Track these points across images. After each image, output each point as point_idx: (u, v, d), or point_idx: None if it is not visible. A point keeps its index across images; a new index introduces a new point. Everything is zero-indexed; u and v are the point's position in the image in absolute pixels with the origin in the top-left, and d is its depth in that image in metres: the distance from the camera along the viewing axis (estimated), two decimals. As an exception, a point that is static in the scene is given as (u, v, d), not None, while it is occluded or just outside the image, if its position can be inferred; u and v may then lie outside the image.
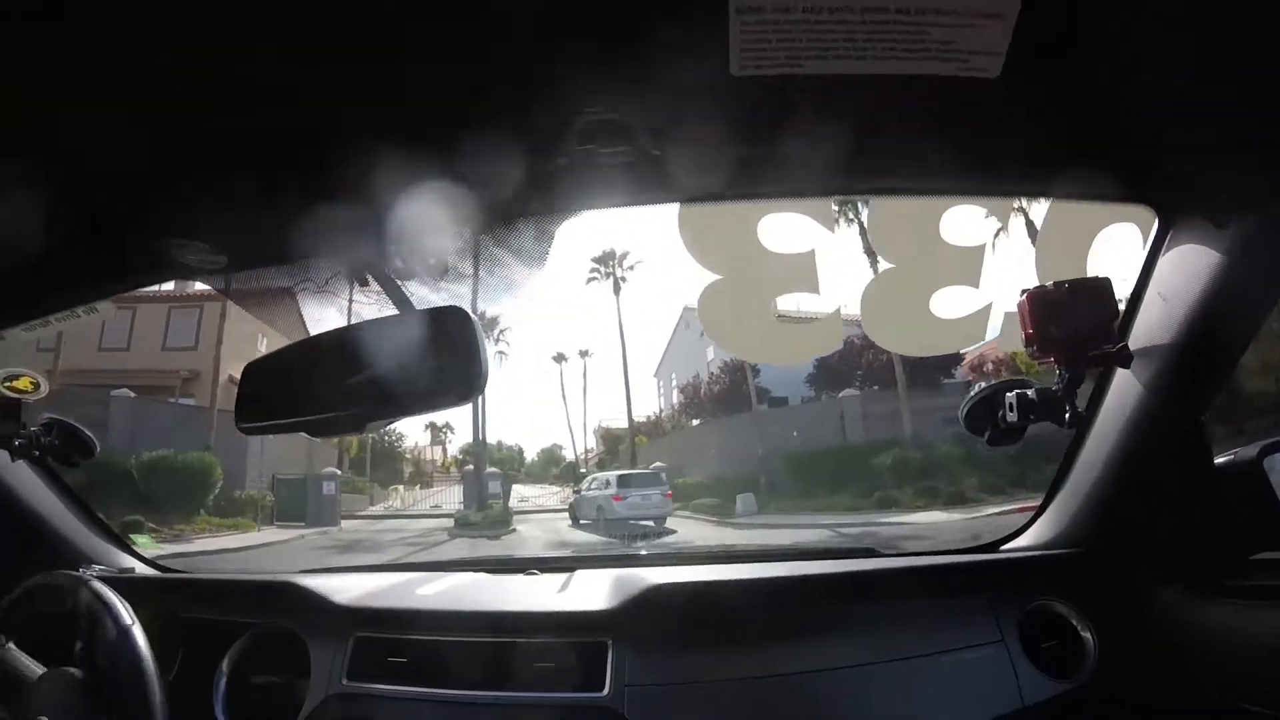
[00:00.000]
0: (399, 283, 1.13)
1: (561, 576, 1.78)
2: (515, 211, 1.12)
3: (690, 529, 16.73)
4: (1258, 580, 1.35)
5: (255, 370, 1.22)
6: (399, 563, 2.38)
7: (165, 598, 1.80)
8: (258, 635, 1.68)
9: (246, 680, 1.66)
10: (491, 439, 37.73)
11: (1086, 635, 1.55)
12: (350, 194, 1.01)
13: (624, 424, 32.70)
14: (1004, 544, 1.82)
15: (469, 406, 27.42)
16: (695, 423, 29.09)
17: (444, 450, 38.60)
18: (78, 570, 1.64)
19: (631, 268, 31.09)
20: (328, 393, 1.13)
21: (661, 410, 34.56)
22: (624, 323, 43.97)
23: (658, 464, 22.41)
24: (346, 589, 1.72)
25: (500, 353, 32.22)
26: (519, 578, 1.88)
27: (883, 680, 1.49)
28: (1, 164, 0.92)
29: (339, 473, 22.22)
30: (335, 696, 1.54)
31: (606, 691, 1.45)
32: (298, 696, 1.57)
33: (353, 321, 1.17)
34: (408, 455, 35.63)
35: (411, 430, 37.52)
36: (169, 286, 21.71)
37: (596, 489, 19.53)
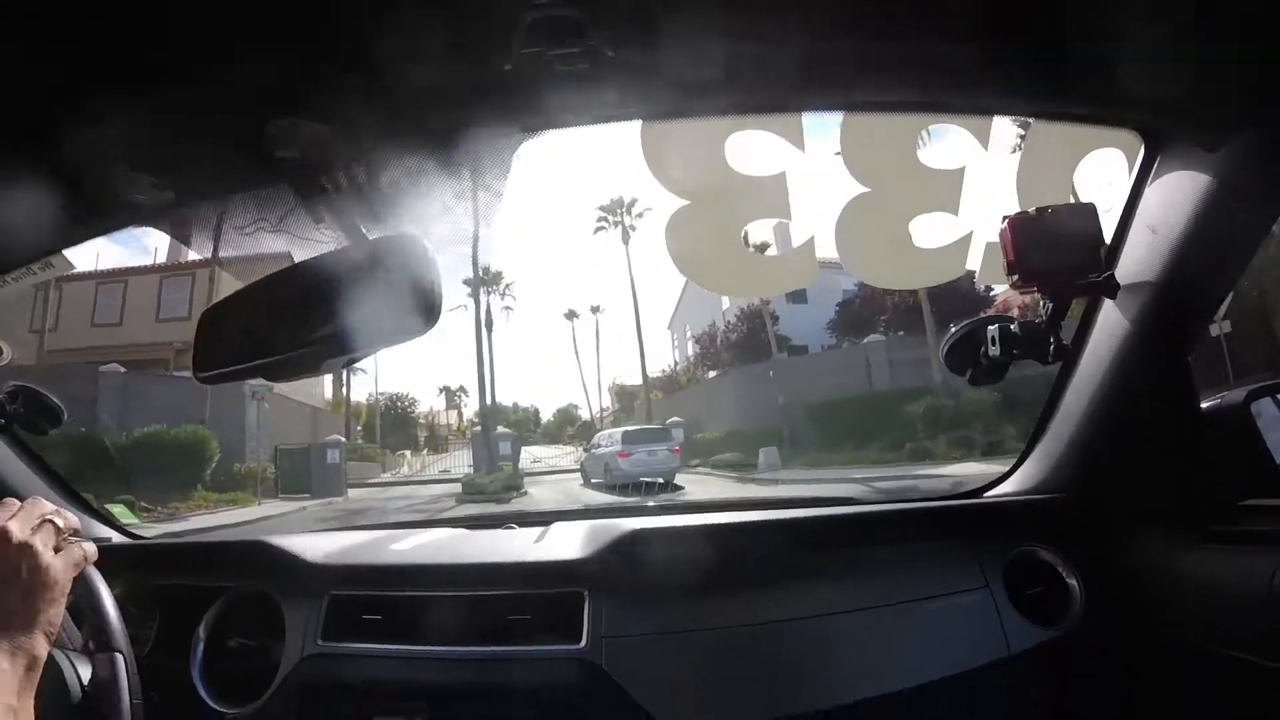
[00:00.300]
0: (350, 214, 1.09)
1: (538, 530, 1.75)
2: (460, 124, 1.06)
3: (708, 486, 16.62)
4: (1245, 526, 1.32)
5: (211, 317, 1.18)
6: (375, 523, 2.34)
7: (140, 566, 1.77)
8: (233, 599, 1.65)
9: (224, 644, 1.63)
10: (506, 401, 38.08)
11: (1072, 582, 1.54)
12: (288, 113, 0.96)
13: (639, 380, 32.54)
14: (988, 490, 1.79)
15: (475, 368, 28.48)
16: (712, 375, 28.45)
17: (459, 414, 38.23)
18: None
19: (640, 215, 30.28)
20: (284, 334, 1.09)
21: (677, 363, 33.93)
22: (635, 274, 43.37)
23: (674, 419, 21.99)
24: (320, 548, 1.69)
25: (507, 308, 32.37)
26: (497, 532, 1.85)
27: (865, 626, 1.47)
28: None
29: (344, 440, 21.73)
30: (311, 657, 1.51)
31: (584, 643, 1.43)
32: (274, 658, 1.54)
33: (305, 258, 1.13)
34: (421, 420, 35.51)
35: (425, 395, 38.52)
36: (161, 257, 21.66)
37: (604, 447, 19.05)
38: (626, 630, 1.45)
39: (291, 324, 1.08)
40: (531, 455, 25.79)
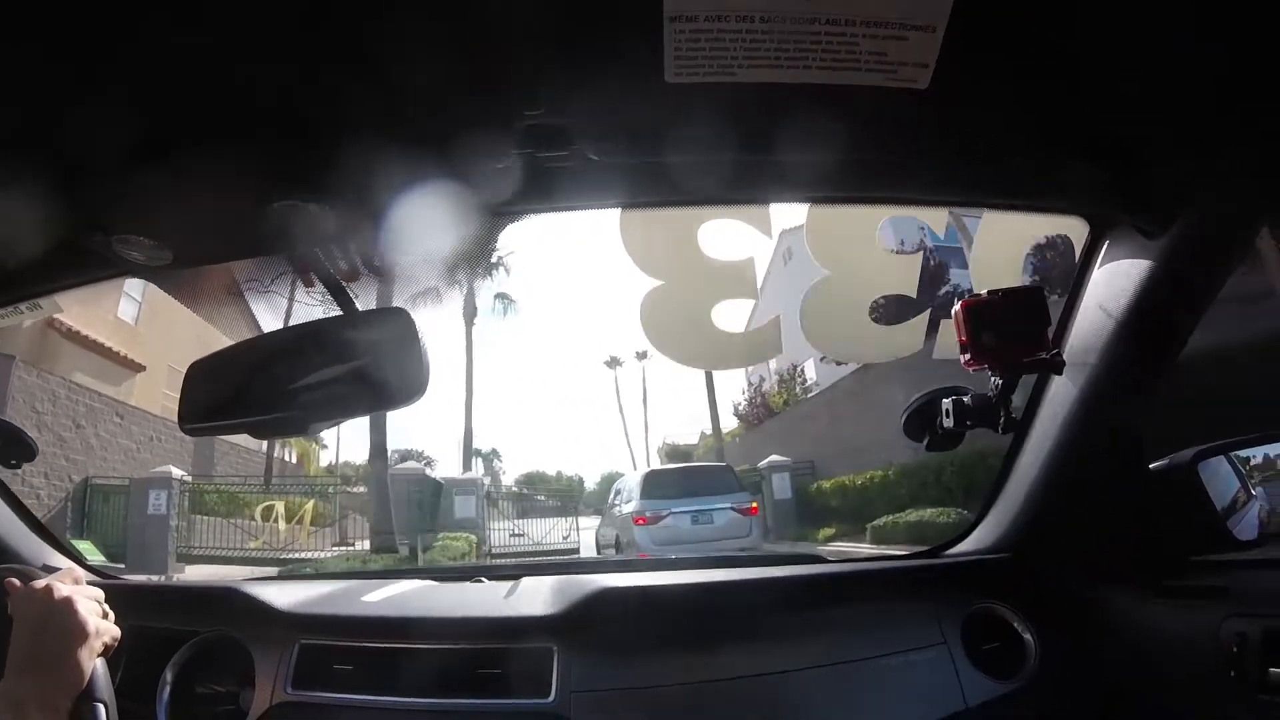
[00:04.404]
0: (343, 284, 1.12)
1: (508, 584, 1.77)
2: (457, 213, 1.12)
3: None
4: (1194, 581, 1.39)
5: (198, 370, 1.20)
6: (344, 571, 2.33)
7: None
8: (201, 643, 1.63)
9: (190, 689, 1.61)
10: (550, 469, 33.48)
11: (1027, 637, 1.58)
12: (293, 193, 1.00)
13: (693, 438, 27.22)
14: (946, 549, 1.86)
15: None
16: (846, 373, 17.49)
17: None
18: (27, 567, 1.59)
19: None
20: (271, 393, 1.12)
21: (764, 380, 24.57)
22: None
23: (773, 459, 15.34)
24: (291, 596, 1.69)
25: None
26: (465, 585, 1.87)
27: (827, 683, 1.50)
28: None
29: (177, 477, 14.03)
30: (281, 705, 1.51)
31: (552, 698, 1.45)
32: (243, 705, 1.53)
33: (297, 322, 1.17)
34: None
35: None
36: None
37: (621, 503, 12.44)
38: (595, 685, 1.47)
39: (279, 384, 1.11)
40: (514, 527, 18.02)
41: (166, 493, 13.43)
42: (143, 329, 19.68)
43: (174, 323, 19.96)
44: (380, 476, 15.84)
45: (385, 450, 16.95)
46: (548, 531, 17.52)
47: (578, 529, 17.32)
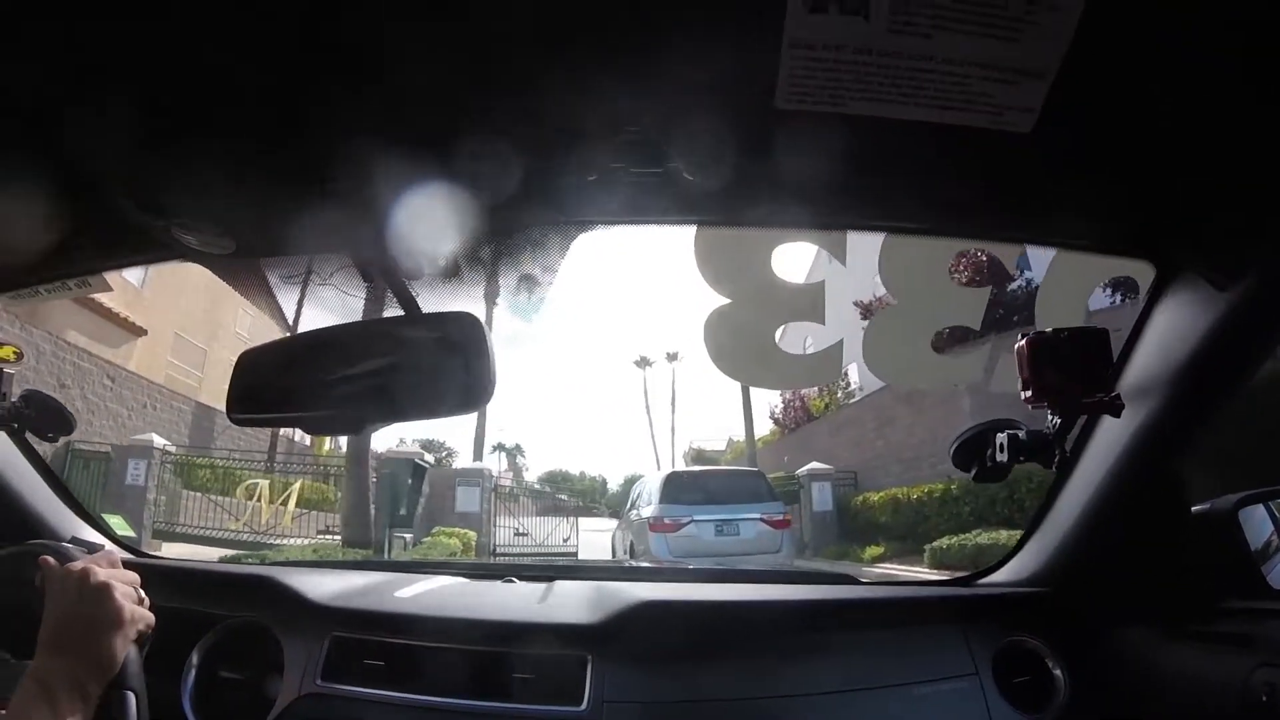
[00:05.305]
0: (408, 283, 1.12)
1: (541, 586, 1.78)
2: (530, 221, 1.12)
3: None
4: (1223, 627, 1.38)
5: (251, 360, 1.20)
6: (376, 560, 2.35)
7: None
8: (231, 628, 1.64)
9: (216, 674, 1.62)
10: (574, 469, 33.80)
11: (1057, 672, 1.58)
12: (365, 190, 1.00)
13: (720, 444, 26.57)
14: (980, 578, 1.85)
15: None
16: (861, 394, 16.85)
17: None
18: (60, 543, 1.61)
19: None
20: (326, 390, 1.12)
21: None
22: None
23: (814, 465, 14.28)
24: (324, 586, 1.70)
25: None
26: (497, 584, 1.87)
27: (858, 708, 1.50)
28: (9, 140, 0.91)
29: (160, 446, 13.23)
30: (308, 696, 1.51)
31: (585, 706, 1.45)
32: (269, 693, 1.54)
33: (357, 319, 1.16)
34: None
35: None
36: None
37: (639, 507, 11.14)
38: (628, 696, 1.47)
39: (334, 380, 1.11)
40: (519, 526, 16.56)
41: (146, 462, 12.70)
42: (149, 293, 19.17)
43: (184, 290, 19.97)
44: (359, 454, 13.66)
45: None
46: (550, 532, 16.59)
47: (577, 531, 16.57)
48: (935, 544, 10.72)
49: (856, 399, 18.16)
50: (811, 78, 0.83)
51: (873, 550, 12.59)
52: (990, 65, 0.81)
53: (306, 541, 13.87)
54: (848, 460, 15.26)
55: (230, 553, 11.48)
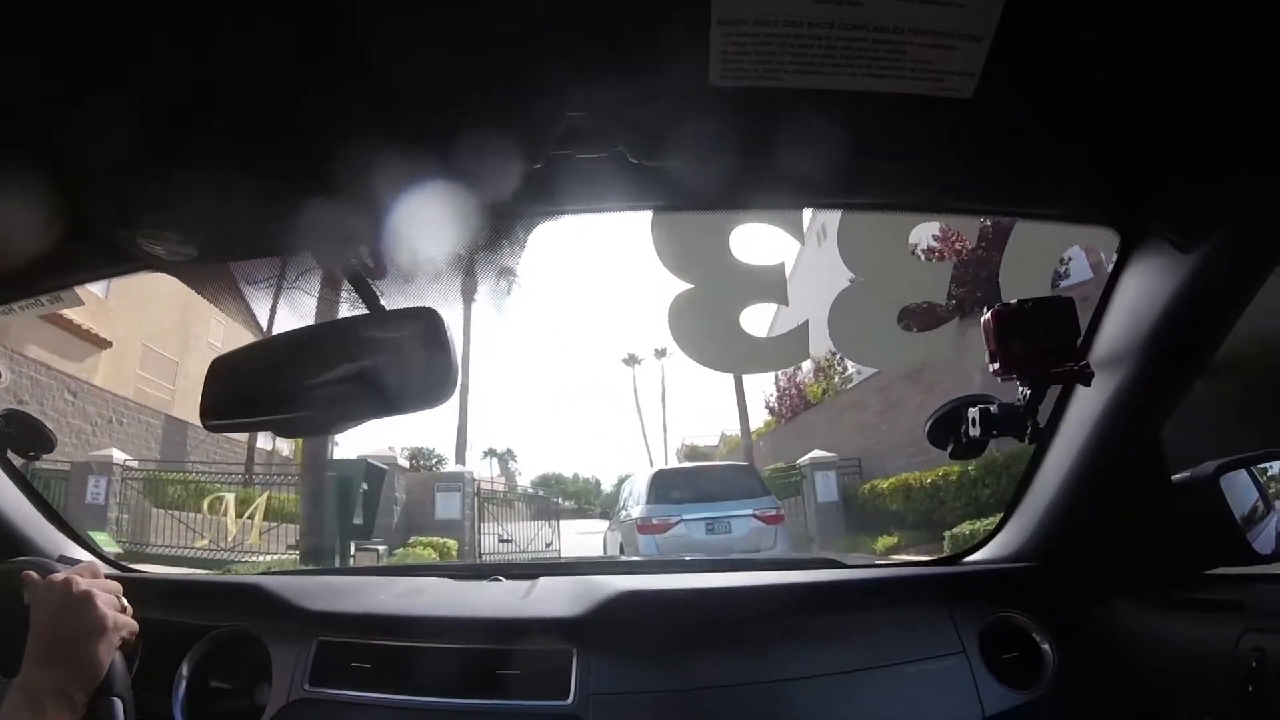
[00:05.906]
0: (370, 282, 1.12)
1: (525, 584, 1.77)
2: (489, 212, 1.12)
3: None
4: (1209, 594, 1.39)
5: (221, 366, 1.19)
6: (364, 566, 2.34)
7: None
8: (219, 638, 1.64)
9: (206, 684, 1.61)
10: (567, 471, 33.16)
11: (1045, 647, 1.58)
12: (323, 189, 1.00)
13: (713, 439, 26.43)
14: (965, 556, 1.86)
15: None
16: (860, 378, 16.24)
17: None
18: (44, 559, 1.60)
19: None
20: (295, 392, 1.12)
21: (798, 370, 21.22)
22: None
23: (817, 453, 13.65)
24: (309, 592, 1.70)
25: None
26: (483, 584, 1.87)
27: (846, 690, 1.50)
28: None
29: (126, 462, 12.61)
30: (298, 702, 1.51)
31: (571, 700, 1.45)
32: (259, 701, 1.54)
33: (323, 320, 1.16)
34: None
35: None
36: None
37: (629, 507, 10.83)
38: (615, 687, 1.47)
39: (302, 382, 1.11)
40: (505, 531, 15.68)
41: (106, 479, 11.92)
42: (114, 303, 17.98)
43: (150, 299, 18.79)
44: (316, 460, 12.34)
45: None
46: (534, 536, 16.04)
47: (559, 535, 16.29)
48: (956, 530, 9.96)
49: (854, 383, 17.62)
50: (744, 53, 0.82)
51: (886, 540, 11.99)
52: (924, 30, 0.81)
53: (273, 558, 12.85)
54: (851, 447, 14.71)
55: (196, 572, 10.81)
